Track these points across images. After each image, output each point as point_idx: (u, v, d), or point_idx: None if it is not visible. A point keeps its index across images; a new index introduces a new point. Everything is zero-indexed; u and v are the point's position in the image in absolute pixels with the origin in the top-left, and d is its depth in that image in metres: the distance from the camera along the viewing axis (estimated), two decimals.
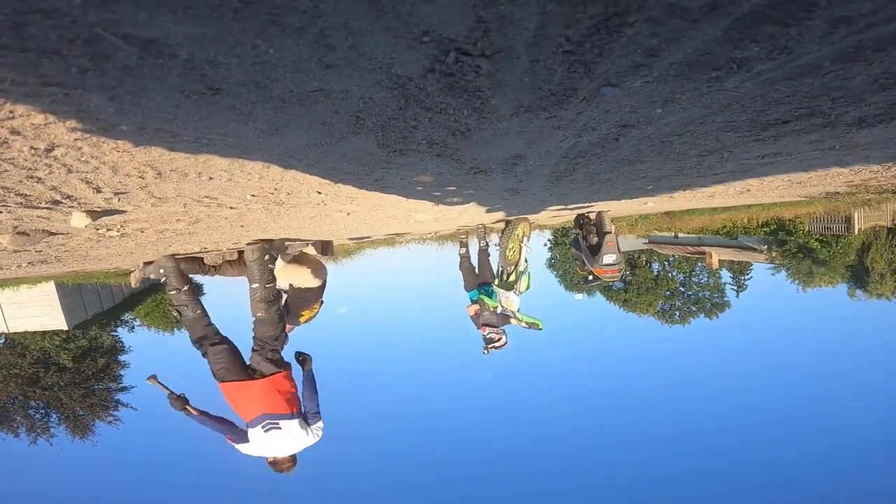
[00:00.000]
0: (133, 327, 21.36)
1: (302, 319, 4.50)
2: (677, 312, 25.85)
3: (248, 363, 3.43)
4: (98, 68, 0.70)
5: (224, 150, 1.17)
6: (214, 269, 4.04)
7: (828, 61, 0.97)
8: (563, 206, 4.54)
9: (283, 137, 1.13)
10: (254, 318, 3.44)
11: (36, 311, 17.49)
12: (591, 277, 7.09)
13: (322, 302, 4.68)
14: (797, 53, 0.90)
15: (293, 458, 3.38)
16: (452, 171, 1.82)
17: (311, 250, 4.67)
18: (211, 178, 1.42)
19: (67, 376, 18.86)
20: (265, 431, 3.24)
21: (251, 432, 3.25)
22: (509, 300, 5.83)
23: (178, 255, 3.63)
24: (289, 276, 4.39)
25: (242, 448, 3.31)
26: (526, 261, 5.90)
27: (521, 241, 5.61)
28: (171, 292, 3.43)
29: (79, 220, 1.54)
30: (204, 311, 3.47)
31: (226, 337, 3.47)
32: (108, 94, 0.78)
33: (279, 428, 3.25)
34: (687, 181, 2.93)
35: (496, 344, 5.99)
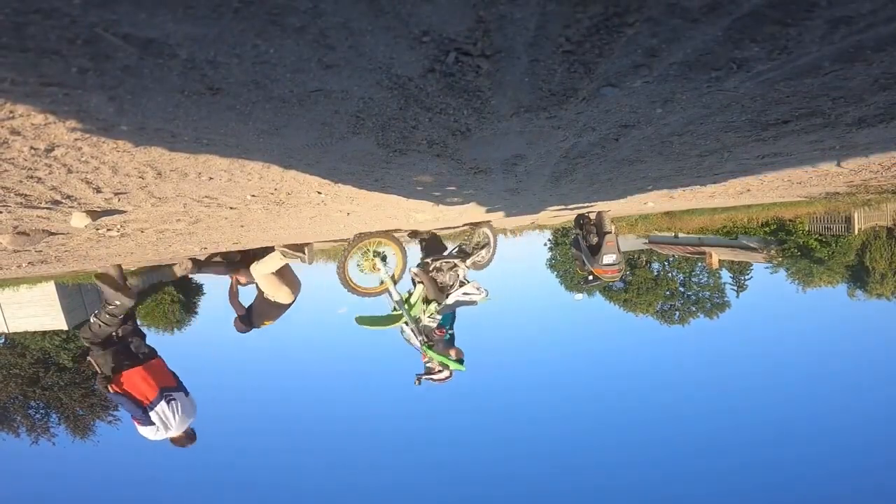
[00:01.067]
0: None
1: (262, 325, 4.79)
2: (677, 313, 25.85)
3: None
4: (98, 68, 0.70)
5: (224, 150, 1.17)
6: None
7: (828, 61, 0.97)
8: (563, 206, 4.54)
9: (283, 137, 1.13)
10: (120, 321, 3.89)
11: (36, 311, 17.48)
12: (591, 277, 7.09)
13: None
14: (797, 53, 0.90)
15: (189, 433, 3.86)
16: (452, 171, 1.82)
17: (294, 261, 4.63)
18: (211, 178, 1.42)
19: (67, 376, 18.86)
20: (168, 403, 3.69)
21: (153, 413, 3.64)
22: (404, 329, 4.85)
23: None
24: (269, 286, 4.54)
25: (147, 431, 3.70)
26: (415, 285, 4.77)
27: (374, 261, 4.53)
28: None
29: (79, 220, 1.54)
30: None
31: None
32: (108, 94, 0.78)
33: (175, 399, 3.74)
34: (687, 181, 2.93)
35: (434, 376, 4.80)
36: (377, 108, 1.02)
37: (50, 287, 16.81)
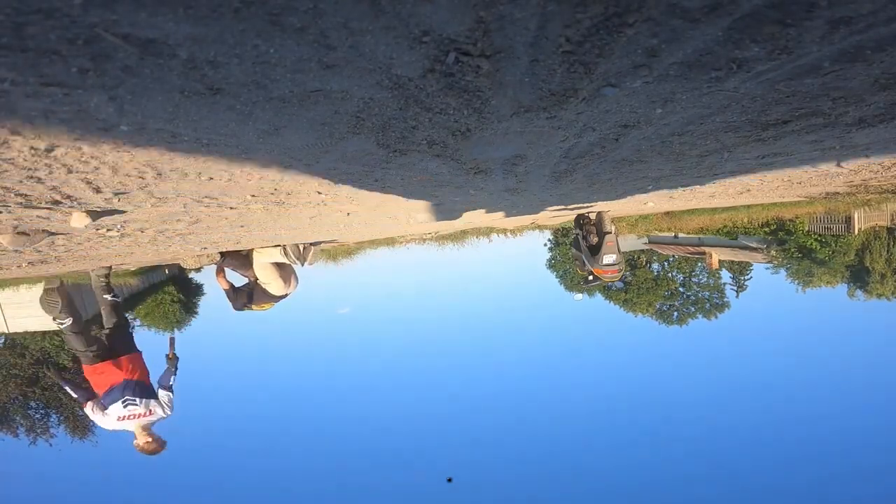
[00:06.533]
0: (133, 327, 21.32)
1: (258, 308, 5.03)
2: (675, 313, 25.83)
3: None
4: (98, 68, 0.70)
5: (224, 150, 1.17)
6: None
7: (828, 61, 0.97)
8: (563, 206, 4.54)
9: (283, 137, 1.13)
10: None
11: (36, 311, 17.46)
12: (591, 277, 7.10)
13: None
14: (797, 53, 0.90)
15: (152, 436, 3.90)
16: (452, 172, 1.82)
17: (295, 264, 4.79)
18: (211, 179, 1.42)
19: (67, 377, 18.84)
20: (124, 406, 3.77)
21: (112, 407, 3.79)
22: None
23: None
24: (264, 273, 4.79)
25: (99, 419, 3.83)
26: None
27: None
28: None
29: (79, 220, 1.54)
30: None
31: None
32: (108, 94, 0.78)
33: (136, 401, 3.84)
34: (687, 181, 2.93)
35: None
36: (377, 108, 1.02)
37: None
